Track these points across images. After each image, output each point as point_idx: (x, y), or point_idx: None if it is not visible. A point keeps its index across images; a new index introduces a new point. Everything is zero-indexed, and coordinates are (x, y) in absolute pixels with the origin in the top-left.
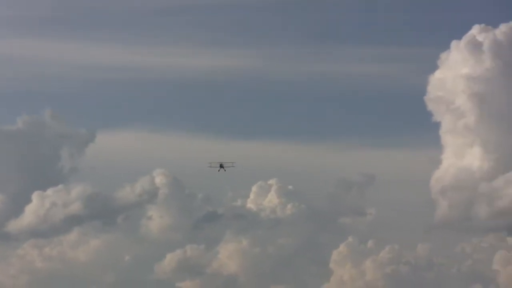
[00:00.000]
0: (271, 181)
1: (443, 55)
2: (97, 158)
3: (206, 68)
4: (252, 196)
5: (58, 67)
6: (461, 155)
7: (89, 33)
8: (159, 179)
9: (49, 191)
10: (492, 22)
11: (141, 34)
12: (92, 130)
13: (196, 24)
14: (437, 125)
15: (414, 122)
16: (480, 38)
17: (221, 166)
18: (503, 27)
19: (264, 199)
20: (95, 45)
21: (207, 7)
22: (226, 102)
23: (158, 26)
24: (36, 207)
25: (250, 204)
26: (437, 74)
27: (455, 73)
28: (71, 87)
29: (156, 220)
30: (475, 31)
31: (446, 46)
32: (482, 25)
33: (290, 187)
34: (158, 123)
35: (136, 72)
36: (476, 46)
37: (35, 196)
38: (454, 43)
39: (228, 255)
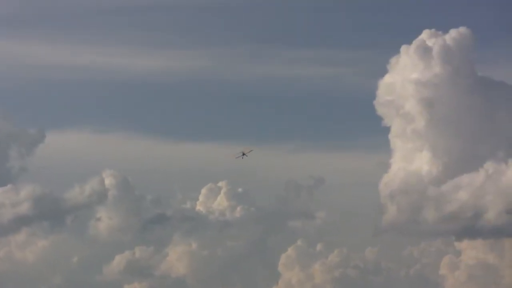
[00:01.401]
0: (220, 184)
1: (392, 60)
2: (47, 158)
3: (155, 68)
4: (201, 198)
5: (5, 66)
6: (410, 159)
7: (36, 32)
8: (108, 180)
9: None
10: (442, 27)
11: (88, 34)
12: (42, 130)
13: (144, 25)
14: (386, 129)
15: (363, 126)
16: (429, 43)
17: (243, 154)
18: (452, 33)
19: (214, 201)
20: (43, 44)
21: (154, 8)
22: (175, 103)
23: (106, 26)
24: None
25: (199, 207)
26: (387, 78)
27: (405, 78)
28: (18, 86)
29: (105, 221)
30: (425, 36)
31: (396, 51)
32: (432, 30)
33: (239, 189)
34: (108, 123)
35: (85, 72)
36: (425, 51)
37: None
38: (403, 48)
39: (177, 257)
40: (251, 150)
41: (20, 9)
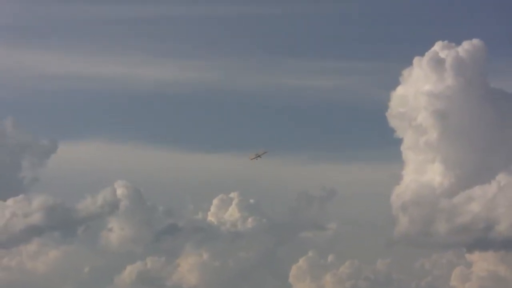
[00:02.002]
0: (232, 195)
1: (405, 71)
2: (59, 169)
3: (167, 79)
4: (213, 209)
5: (18, 75)
6: (422, 171)
7: (49, 42)
8: (120, 191)
9: (10, 201)
10: (455, 39)
11: (101, 44)
12: (54, 140)
13: (157, 35)
14: (399, 141)
15: (376, 137)
16: (442, 55)
17: (258, 155)
18: (465, 44)
19: (225, 212)
20: (56, 54)
21: (166, 18)
22: (187, 113)
23: (118, 36)
24: None
25: (211, 217)
26: (399, 90)
27: (417, 90)
28: (30, 96)
29: (116, 232)
30: (438, 47)
31: (408, 62)
32: (445, 41)
33: (251, 200)
34: (120, 134)
35: (98, 82)
36: (438, 63)
37: None
38: (416, 59)
39: (188, 268)
40: (265, 152)
41: (32, 19)
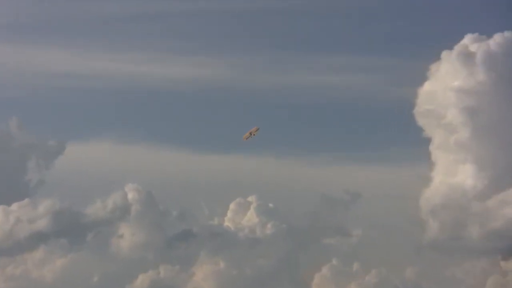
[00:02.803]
0: (250, 198)
1: (433, 66)
2: (66, 171)
3: (179, 76)
4: (229, 214)
5: (22, 73)
6: (453, 172)
7: (55, 40)
8: (131, 195)
9: (14, 206)
10: (486, 32)
11: (110, 41)
12: (61, 141)
13: (167, 31)
14: (427, 141)
15: (402, 136)
16: (473, 48)
17: (251, 134)
18: (497, 37)
19: (243, 217)
20: (62, 52)
21: (175, 14)
22: (200, 112)
23: (126, 33)
24: (0, 222)
25: (227, 223)
26: (427, 86)
27: (446, 86)
28: (35, 95)
29: (127, 238)
30: (468, 41)
31: (436, 57)
32: (475, 34)
33: (270, 204)
34: (130, 134)
35: (106, 81)
36: (468, 57)
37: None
38: (445, 54)
39: (204, 276)
40: (258, 129)
41: (38, 16)
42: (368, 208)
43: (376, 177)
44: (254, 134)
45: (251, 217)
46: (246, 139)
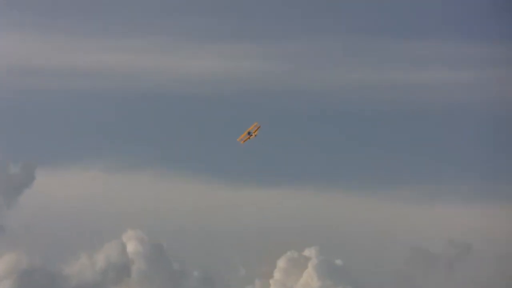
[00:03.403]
0: (307, 252)
1: None
2: (36, 212)
3: (196, 74)
4: (277, 274)
5: None
6: None
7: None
8: (132, 246)
9: None
10: None
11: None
12: (30, 166)
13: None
14: None
15: None
16: None
17: (249, 133)
18: None
19: (297, 279)
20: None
21: None
22: (229, 126)
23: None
24: None
25: (273, 287)
26: None
27: None
28: None
29: None
30: None
31: None
32: None
33: (337, 261)
34: (128, 157)
35: (92, 80)
36: None
37: None
38: None
39: None
40: (259, 127)
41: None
42: (481, 266)
43: (493, 222)
44: (254, 135)
45: (309, 279)
46: (244, 142)
